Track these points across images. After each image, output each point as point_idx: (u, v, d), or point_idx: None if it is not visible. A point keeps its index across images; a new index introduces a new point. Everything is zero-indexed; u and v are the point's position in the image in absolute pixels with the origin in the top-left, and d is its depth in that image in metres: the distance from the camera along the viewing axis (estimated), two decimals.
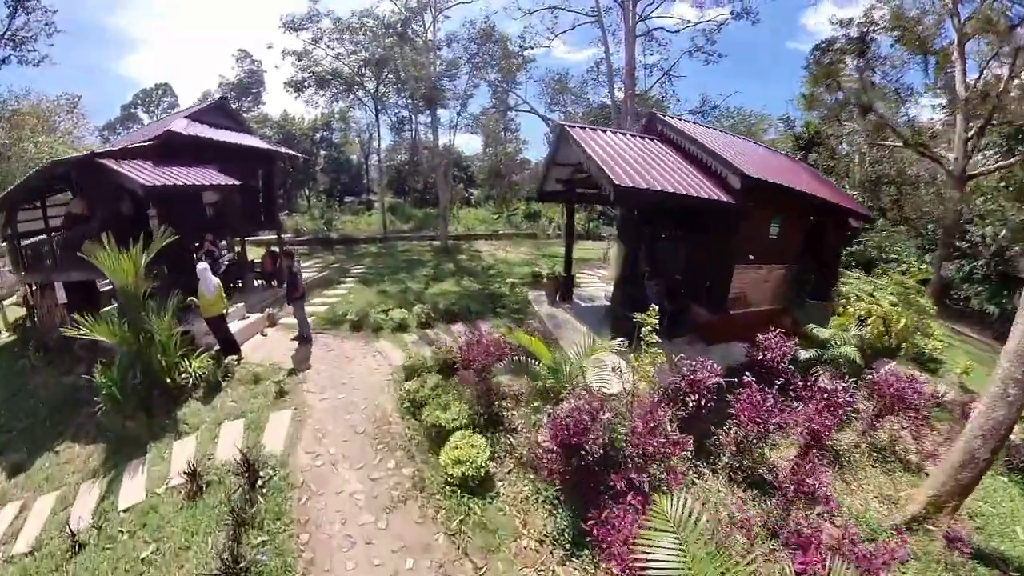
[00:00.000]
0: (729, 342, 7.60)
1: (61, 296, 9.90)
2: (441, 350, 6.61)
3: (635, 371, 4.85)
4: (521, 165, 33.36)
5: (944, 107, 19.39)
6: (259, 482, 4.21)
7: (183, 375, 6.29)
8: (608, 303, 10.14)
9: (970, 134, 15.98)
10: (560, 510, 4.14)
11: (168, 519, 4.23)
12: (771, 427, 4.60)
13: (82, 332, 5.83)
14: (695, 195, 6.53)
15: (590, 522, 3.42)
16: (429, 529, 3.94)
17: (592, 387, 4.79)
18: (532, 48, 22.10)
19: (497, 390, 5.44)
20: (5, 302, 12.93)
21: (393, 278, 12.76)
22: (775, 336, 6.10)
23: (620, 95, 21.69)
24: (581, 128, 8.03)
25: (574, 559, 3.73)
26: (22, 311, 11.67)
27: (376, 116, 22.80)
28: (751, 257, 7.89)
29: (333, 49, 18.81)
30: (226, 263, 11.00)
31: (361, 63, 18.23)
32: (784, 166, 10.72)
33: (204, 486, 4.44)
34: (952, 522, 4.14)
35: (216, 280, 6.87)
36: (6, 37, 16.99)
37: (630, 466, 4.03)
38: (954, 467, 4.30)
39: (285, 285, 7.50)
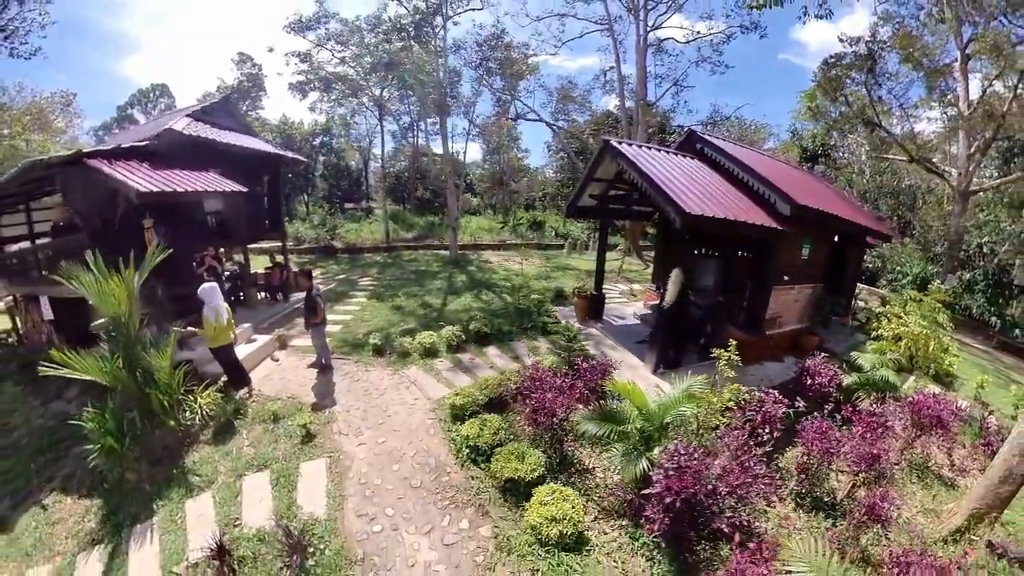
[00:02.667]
0: (762, 362, 7.59)
1: (47, 312, 8.91)
2: (490, 382, 5.92)
3: (707, 403, 4.75)
4: (521, 173, 33.06)
5: (947, 123, 19.83)
6: (309, 561, 3.43)
7: (188, 414, 5.44)
8: (639, 322, 9.69)
9: (972, 150, 16.33)
10: (658, 556, 3.76)
11: None
12: (838, 455, 4.60)
13: (65, 372, 4.91)
14: (752, 223, 6.30)
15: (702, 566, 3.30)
16: None
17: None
18: (537, 55, 21.96)
19: (568, 427, 4.81)
20: None
21: (406, 291, 11.99)
22: (821, 361, 6.36)
23: (629, 103, 21.60)
24: (629, 144, 7.55)
25: None
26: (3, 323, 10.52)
27: (380, 122, 22.13)
28: (785, 278, 7.76)
29: (339, 52, 18.20)
30: (227, 276, 10.09)
31: (368, 67, 17.60)
32: (819, 189, 10.63)
33: (236, 566, 3.63)
34: (991, 532, 4.35)
35: (224, 305, 6.02)
36: None
37: (725, 506, 3.82)
38: (994, 482, 4.53)
39: (304, 309, 6.70)
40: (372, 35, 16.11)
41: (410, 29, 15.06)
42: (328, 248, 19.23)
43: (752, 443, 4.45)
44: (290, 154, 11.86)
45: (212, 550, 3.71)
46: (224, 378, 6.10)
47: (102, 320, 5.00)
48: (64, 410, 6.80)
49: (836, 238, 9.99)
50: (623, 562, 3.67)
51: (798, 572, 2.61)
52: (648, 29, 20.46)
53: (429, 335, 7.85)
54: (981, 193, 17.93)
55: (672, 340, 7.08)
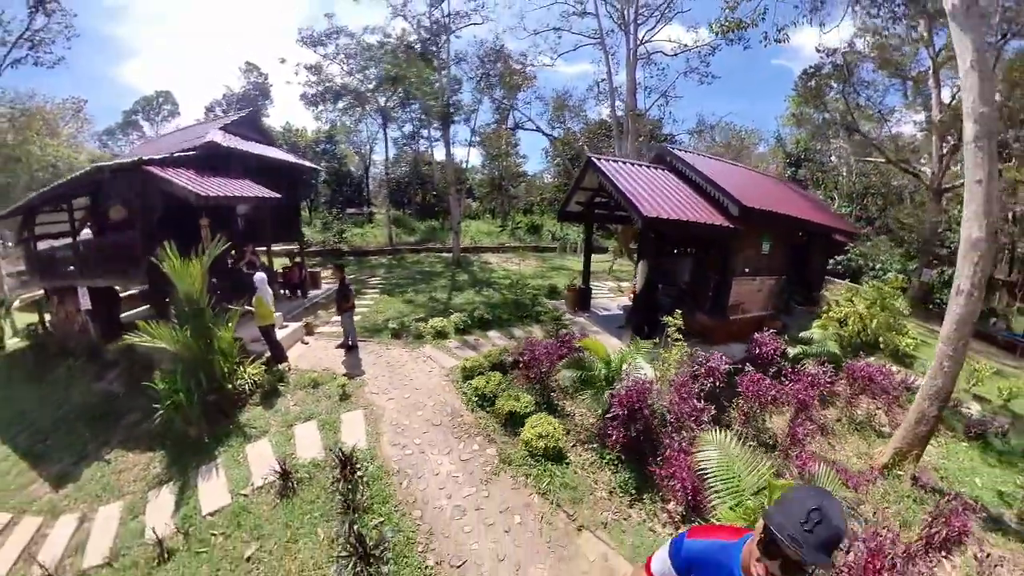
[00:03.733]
0: (728, 343, 8.67)
1: (85, 302, 9.95)
2: (491, 353, 7.07)
3: (664, 361, 6.02)
4: (520, 178, 34.40)
5: (924, 127, 21.19)
6: (358, 473, 4.51)
7: (240, 381, 6.53)
8: (622, 312, 10.92)
9: (944, 151, 17.62)
10: (621, 469, 4.92)
11: (265, 518, 4.45)
12: (768, 399, 5.76)
13: (144, 339, 6.04)
14: (703, 222, 7.56)
15: (650, 468, 4.61)
16: (524, 492, 4.52)
17: (632, 375, 5.45)
18: (535, 66, 23.43)
19: (554, 384, 5.97)
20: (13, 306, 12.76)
21: (414, 288, 13.14)
22: (768, 335, 7.46)
23: (621, 113, 23.04)
24: (607, 160, 8.92)
25: (639, 503, 4.57)
26: (28, 316, 11.56)
27: (384, 130, 23.45)
28: (747, 270, 8.95)
29: (348, 64, 19.57)
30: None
31: (375, 80, 18.95)
32: (777, 191, 11.93)
33: (296, 484, 4.70)
34: (916, 470, 5.38)
35: (270, 291, 7.19)
36: (24, 37, 17.27)
37: (670, 429, 5.01)
38: (911, 424, 5.61)
39: (337, 297, 7.88)
40: (380, 50, 17.44)
41: (416, 47, 16.39)
42: (335, 251, 20.37)
43: (694, 386, 5.56)
44: (308, 164, 13.08)
45: (277, 472, 4.78)
46: (267, 354, 7.23)
47: (178, 296, 6.06)
48: (108, 389, 7.83)
49: (802, 236, 11.23)
50: (594, 473, 4.85)
51: (707, 450, 3.72)
52: (638, 43, 21.92)
53: (440, 320, 8.99)
54: (953, 191, 19.16)
55: (643, 320, 8.26)
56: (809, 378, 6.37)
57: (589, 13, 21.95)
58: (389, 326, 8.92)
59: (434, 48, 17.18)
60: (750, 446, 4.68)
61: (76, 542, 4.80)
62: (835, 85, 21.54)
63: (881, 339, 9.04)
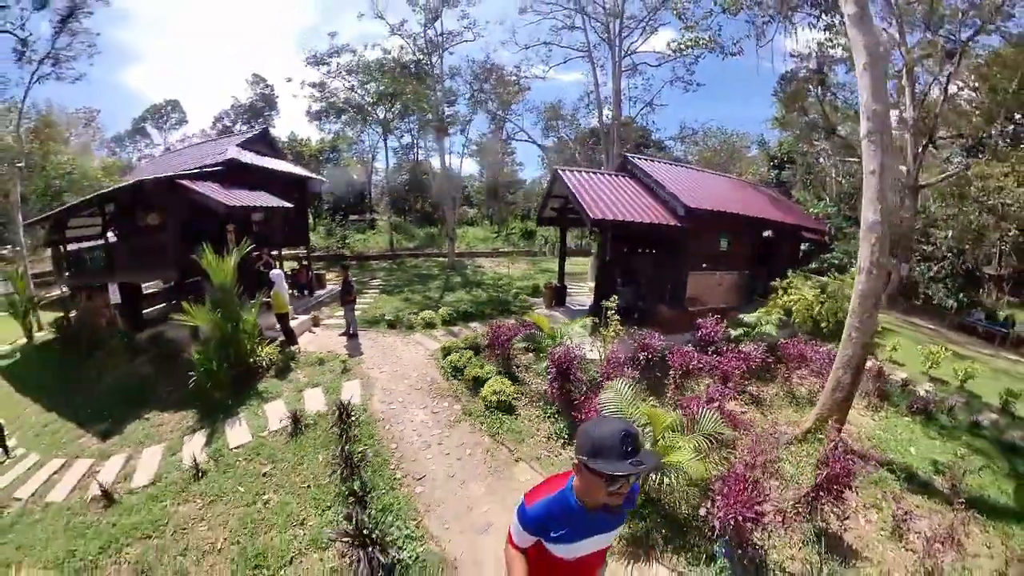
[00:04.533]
0: (684, 332, 9.66)
1: (115, 296, 11.51)
2: (468, 337, 8.48)
3: (604, 338, 7.28)
4: (516, 186, 36.02)
5: (897, 126, 22.10)
6: (352, 419, 5.91)
7: (259, 358, 7.98)
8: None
9: (919, 148, 18.55)
10: (559, 420, 6.24)
11: (279, 449, 5.86)
12: (693, 368, 6.99)
13: (186, 320, 7.52)
14: (648, 221, 8.94)
15: (574, 414, 5.82)
16: (478, 434, 5.87)
17: (573, 344, 6.82)
18: (528, 77, 25.07)
19: (513, 356, 7.39)
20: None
21: (411, 288, 14.63)
22: (710, 320, 8.49)
23: (608, 121, 24.58)
24: (570, 171, 10.51)
25: (569, 445, 5.75)
26: (49, 315, 13.01)
27: (385, 140, 25.19)
28: (704, 266, 10.22)
29: (349, 81, 21.36)
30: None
31: (375, 95, 20.69)
32: (734, 193, 13.22)
33: (304, 427, 6.11)
34: (839, 435, 5.87)
35: (286, 285, 8.68)
36: (49, 56, 18.87)
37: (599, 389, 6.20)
38: (829, 392, 6.29)
39: (340, 292, 9.41)
40: (378, 70, 19.19)
41: (411, 67, 18.09)
42: (338, 256, 21.97)
43: (626, 355, 6.82)
44: (316, 176, 14.71)
45: (289, 418, 6.20)
46: (281, 338, 8.69)
47: (213, 288, 7.56)
48: (139, 372, 9.24)
49: (770, 234, 12.48)
50: (537, 423, 6.22)
51: (607, 393, 5.00)
52: (622, 55, 23.47)
53: (429, 313, 10.45)
54: (938, 186, 19.59)
55: (600, 310, 9.59)
56: (740, 354, 7.47)
57: (577, 27, 23.40)
58: (385, 319, 10.37)
59: (428, 65, 18.88)
60: (649, 399, 5.98)
61: (124, 473, 6.04)
62: (811, 88, 22.44)
63: (827, 324, 10.08)
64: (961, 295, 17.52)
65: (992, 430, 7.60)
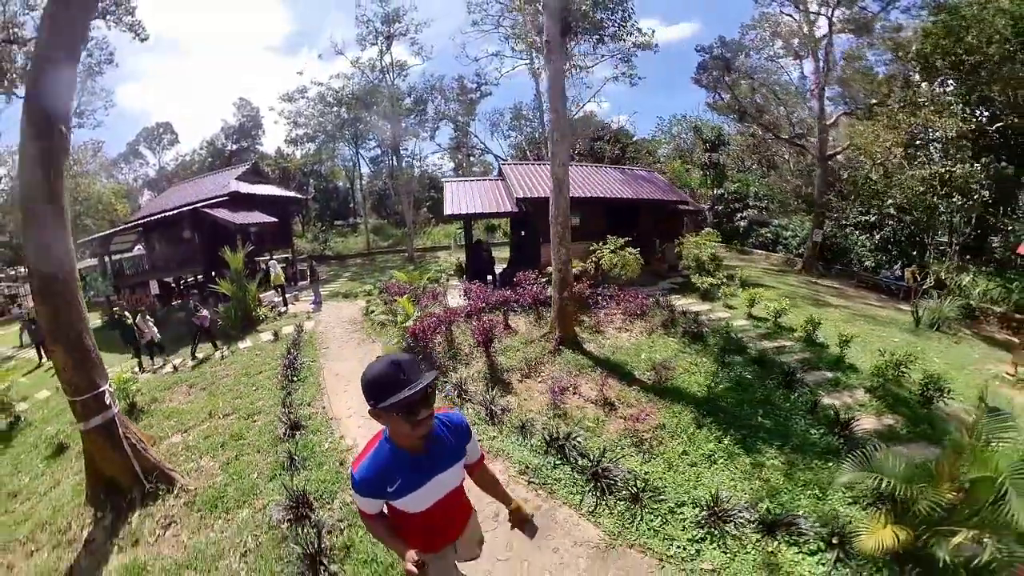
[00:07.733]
0: None
1: (155, 289, 17.61)
2: (383, 300, 14.23)
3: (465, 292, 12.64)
4: None
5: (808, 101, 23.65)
6: (304, 335, 11.65)
7: (256, 313, 13.83)
8: (490, 277, 17.70)
9: (829, 121, 20.97)
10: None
11: (266, 350, 11.58)
12: (491, 300, 12.01)
13: (219, 288, 13.39)
14: (491, 211, 14.32)
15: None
16: (373, 345, 11.41)
17: (449, 303, 12.32)
18: (484, 85, 29.99)
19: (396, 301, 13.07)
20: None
21: (371, 276, 20.42)
22: (530, 273, 13.40)
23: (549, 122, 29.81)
24: (452, 180, 15.97)
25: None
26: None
27: (357, 153, 31.08)
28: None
29: (317, 108, 27.18)
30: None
31: (340, 122, 26.55)
32: (590, 180, 17.54)
33: (281, 339, 11.87)
34: (563, 336, 11.04)
35: (280, 268, 14.58)
36: (75, 112, 24.92)
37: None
38: (554, 306, 9.74)
39: (309, 275, 15.26)
40: (337, 103, 25.01)
41: (365, 98, 23.85)
42: (321, 256, 27.91)
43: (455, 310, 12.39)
44: (296, 195, 20.67)
45: (274, 335, 12.00)
46: (274, 304, 14.58)
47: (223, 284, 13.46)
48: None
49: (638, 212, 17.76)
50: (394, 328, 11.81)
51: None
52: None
53: (369, 287, 16.20)
54: (839, 156, 21.37)
55: (473, 276, 15.03)
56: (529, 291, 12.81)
57: (520, 37, 27.10)
58: (341, 293, 16.17)
59: (386, 87, 24.49)
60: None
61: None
62: (716, 75, 24.15)
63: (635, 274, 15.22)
64: (883, 257, 19.31)
65: (752, 347, 8.90)
